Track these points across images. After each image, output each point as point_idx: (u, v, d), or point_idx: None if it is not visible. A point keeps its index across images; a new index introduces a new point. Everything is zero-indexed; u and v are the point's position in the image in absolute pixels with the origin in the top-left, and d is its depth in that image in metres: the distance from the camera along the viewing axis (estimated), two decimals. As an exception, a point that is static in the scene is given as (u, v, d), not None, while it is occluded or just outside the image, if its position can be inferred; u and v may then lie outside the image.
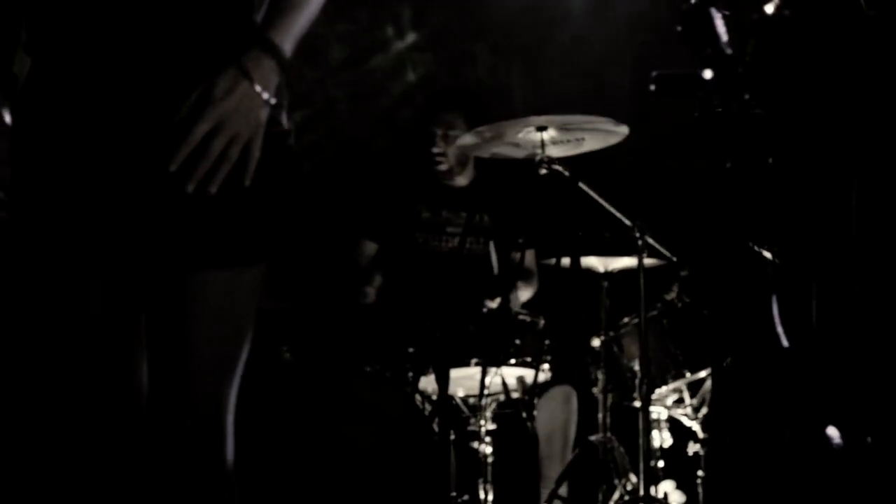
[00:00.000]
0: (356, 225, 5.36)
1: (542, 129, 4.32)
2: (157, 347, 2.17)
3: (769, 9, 2.62)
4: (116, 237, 2.12)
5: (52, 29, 2.14)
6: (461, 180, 5.34)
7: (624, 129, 4.36)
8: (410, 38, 6.13)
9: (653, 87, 2.59)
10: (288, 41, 2.11)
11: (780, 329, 2.61)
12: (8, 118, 2.39)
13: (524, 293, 5.23)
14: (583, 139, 4.43)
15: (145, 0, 2.11)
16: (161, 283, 2.14)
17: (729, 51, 2.58)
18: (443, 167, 5.23)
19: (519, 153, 4.49)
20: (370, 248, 5.30)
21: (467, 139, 4.51)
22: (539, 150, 4.34)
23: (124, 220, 2.11)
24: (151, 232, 2.11)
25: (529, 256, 5.24)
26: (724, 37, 2.60)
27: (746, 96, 2.56)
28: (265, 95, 2.06)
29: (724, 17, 2.70)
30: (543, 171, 4.34)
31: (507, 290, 4.64)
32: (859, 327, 2.54)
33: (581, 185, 4.49)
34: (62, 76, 2.13)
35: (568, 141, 4.42)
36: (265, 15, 2.13)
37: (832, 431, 2.54)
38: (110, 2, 2.10)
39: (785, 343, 2.60)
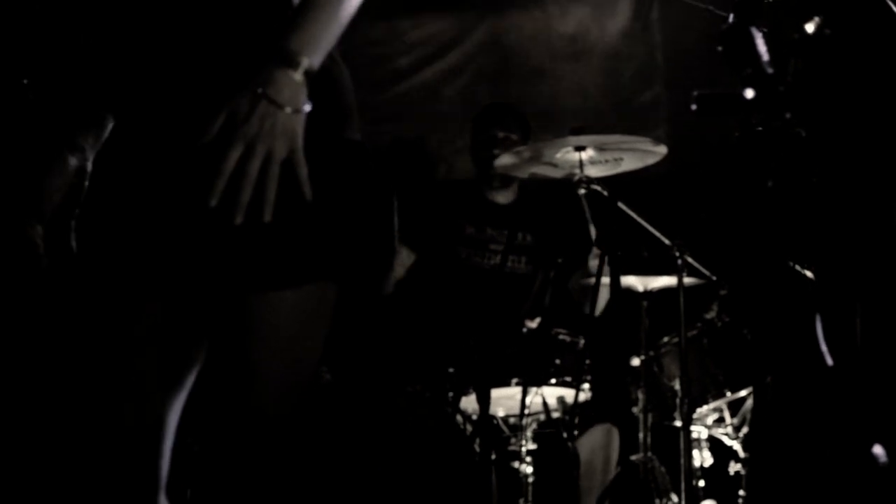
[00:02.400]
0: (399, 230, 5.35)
1: (580, 148, 4.32)
2: (222, 376, 2.14)
3: (810, 28, 2.62)
4: (174, 259, 2.10)
5: (114, 79, 2.18)
6: (506, 198, 5.36)
7: (662, 149, 4.36)
8: (450, 57, 6.17)
9: (694, 107, 2.59)
10: (309, 48, 2.06)
11: (824, 347, 2.61)
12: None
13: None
14: (621, 159, 4.43)
15: (190, 46, 2.11)
16: (222, 308, 2.11)
17: (770, 70, 2.58)
18: (500, 181, 5.25)
19: (557, 173, 4.50)
20: (407, 255, 5.28)
21: (506, 159, 4.53)
22: (577, 170, 4.34)
23: (182, 243, 2.09)
24: (209, 254, 2.08)
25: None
26: (765, 56, 2.59)
27: (788, 115, 2.55)
28: (288, 109, 2.02)
29: (764, 36, 2.70)
30: (582, 191, 4.35)
31: (547, 312, 4.64)
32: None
33: (620, 204, 4.50)
34: (122, 114, 2.17)
35: (606, 161, 4.42)
36: (286, 25, 2.09)
37: (878, 450, 2.53)
38: (156, 49, 2.12)
39: (829, 361, 2.59)
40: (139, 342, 2.13)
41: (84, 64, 2.28)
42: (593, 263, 4.88)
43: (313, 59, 2.06)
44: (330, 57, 2.12)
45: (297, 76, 2.04)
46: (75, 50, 2.34)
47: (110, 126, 2.28)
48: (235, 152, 1.99)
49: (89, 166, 2.32)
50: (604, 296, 5.09)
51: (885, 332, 2.54)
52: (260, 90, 2.01)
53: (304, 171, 2.05)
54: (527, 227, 5.25)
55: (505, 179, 5.26)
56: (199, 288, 2.11)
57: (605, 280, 4.73)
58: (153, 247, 2.10)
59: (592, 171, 4.39)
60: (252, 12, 2.14)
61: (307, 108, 2.05)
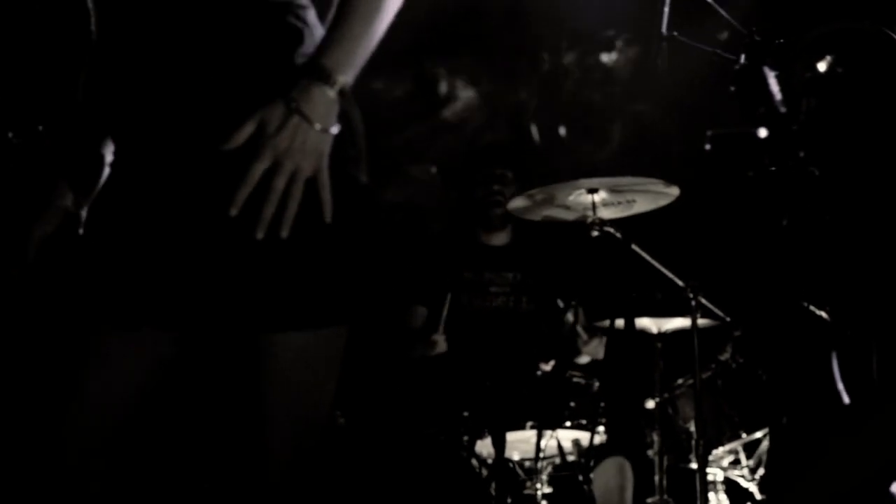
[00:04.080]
0: (406, 290, 5.38)
1: (593, 191, 4.33)
2: (229, 420, 2.10)
3: (822, 67, 2.64)
4: (191, 297, 2.03)
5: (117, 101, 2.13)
6: (500, 240, 5.39)
7: (675, 190, 4.36)
8: (464, 96, 6.21)
9: (708, 147, 2.61)
10: (345, 66, 2.02)
11: (840, 386, 2.60)
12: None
13: (602, 349, 5.18)
14: (634, 200, 4.43)
15: (198, 73, 2.06)
16: (231, 346, 2.07)
17: (783, 109, 2.59)
18: (499, 210, 5.26)
19: (570, 215, 4.50)
20: (422, 312, 5.31)
21: (518, 202, 4.53)
22: (590, 213, 4.35)
23: (198, 281, 2.02)
24: (225, 293, 2.02)
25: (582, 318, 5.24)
26: (778, 95, 2.61)
27: (801, 154, 2.56)
28: (318, 126, 1.98)
29: (777, 77, 2.72)
30: (595, 234, 4.36)
31: (561, 354, 4.64)
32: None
33: (633, 246, 4.50)
34: (131, 144, 2.12)
35: (619, 203, 4.43)
36: (321, 42, 2.06)
37: (897, 489, 2.52)
38: (166, 73, 2.07)
39: (846, 400, 2.59)
40: (106, 369, 2.06)
41: (84, 91, 2.23)
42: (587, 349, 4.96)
43: (348, 76, 2.03)
44: (346, 97, 2.08)
45: (332, 93, 2.00)
46: (73, 77, 2.31)
47: (106, 170, 2.24)
48: (263, 164, 1.95)
49: (83, 214, 2.27)
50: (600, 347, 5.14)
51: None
52: (294, 104, 1.97)
53: (327, 193, 2.01)
54: (524, 266, 5.29)
55: (504, 219, 5.29)
56: (215, 327, 2.06)
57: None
58: (170, 284, 2.04)
59: (605, 214, 4.40)
60: (252, 25, 2.10)
61: (335, 129, 2.02)
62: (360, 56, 2.06)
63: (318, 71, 2.01)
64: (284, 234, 1.96)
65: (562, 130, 6.26)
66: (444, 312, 4.92)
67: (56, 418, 2.03)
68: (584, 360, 4.99)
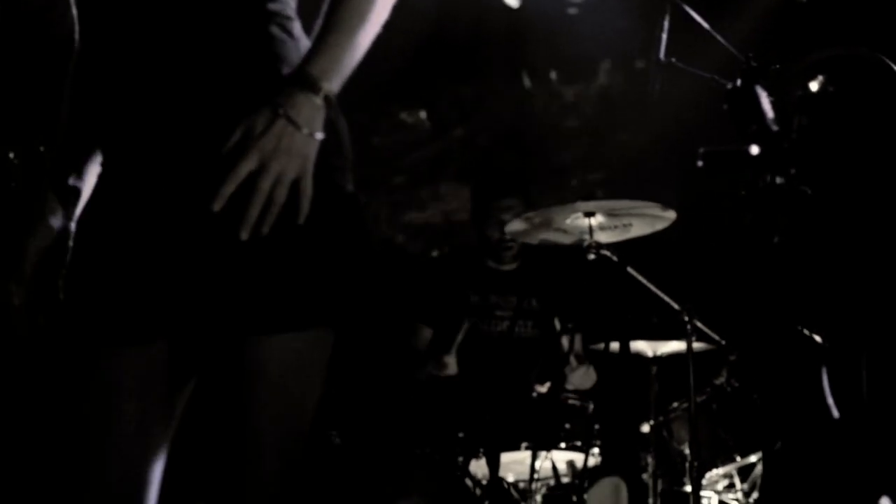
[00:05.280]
0: (411, 310, 5.39)
1: (589, 214, 4.36)
2: (217, 425, 2.09)
3: (814, 86, 2.67)
4: (176, 301, 2.05)
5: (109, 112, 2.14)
6: (508, 265, 5.41)
7: (671, 214, 4.39)
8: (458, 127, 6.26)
9: (700, 164, 2.63)
10: (330, 74, 2.04)
11: (830, 401, 2.63)
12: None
13: (588, 379, 5.20)
14: (630, 224, 4.46)
15: (182, 75, 2.08)
16: (219, 350, 2.07)
17: (775, 127, 2.63)
18: (511, 253, 5.30)
19: (567, 239, 4.53)
20: (426, 332, 5.32)
21: (516, 225, 4.56)
22: (587, 236, 4.37)
23: (184, 284, 2.04)
24: (211, 295, 2.03)
25: (577, 341, 5.27)
26: (770, 113, 2.64)
27: (793, 171, 2.59)
28: (304, 130, 1.99)
29: (769, 96, 2.75)
30: (592, 257, 4.38)
31: (556, 375, 4.66)
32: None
33: (629, 269, 4.53)
34: (117, 154, 2.14)
35: (615, 226, 4.46)
36: (308, 51, 2.08)
37: (886, 503, 2.54)
38: (152, 80, 2.08)
39: (836, 414, 2.61)
40: (128, 392, 2.08)
41: (70, 101, 2.26)
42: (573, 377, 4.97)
43: (333, 84, 2.05)
44: (332, 106, 2.10)
45: (318, 101, 2.02)
46: (60, 87, 2.33)
47: (93, 182, 2.25)
48: (249, 164, 1.96)
49: (72, 226, 2.29)
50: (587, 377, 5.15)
51: (891, 383, 2.56)
52: (280, 109, 1.99)
53: (307, 200, 2.02)
54: (531, 291, 5.30)
55: (515, 256, 5.32)
56: (201, 329, 2.07)
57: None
58: (153, 289, 2.06)
59: (602, 237, 4.42)
60: (238, 36, 2.12)
61: (320, 136, 2.03)
62: (346, 65, 2.08)
63: (304, 78, 2.02)
64: (265, 231, 1.97)
65: (564, 155, 6.30)
66: (460, 337, 4.92)
67: (94, 449, 2.07)
68: (569, 386, 5.00)
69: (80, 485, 2.06)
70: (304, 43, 2.19)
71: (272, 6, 2.15)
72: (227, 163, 1.97)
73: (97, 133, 2.20)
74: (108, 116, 2.13)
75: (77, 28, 2.21)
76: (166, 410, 2.14)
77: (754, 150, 2.58)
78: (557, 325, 5.08)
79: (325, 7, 2.12)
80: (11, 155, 3.95)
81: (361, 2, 2.10)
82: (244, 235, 1.96)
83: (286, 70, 2.11)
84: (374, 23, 2.12)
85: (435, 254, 6.61)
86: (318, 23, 2.11)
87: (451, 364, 4.95)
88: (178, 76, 2.08)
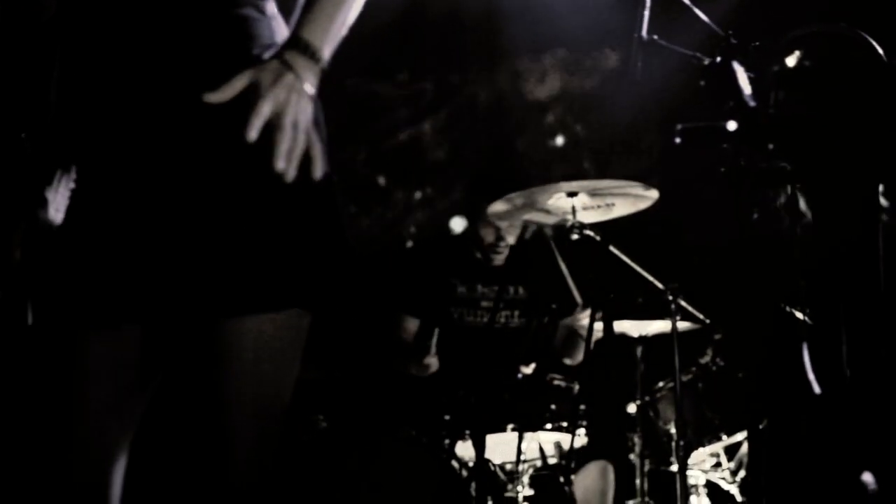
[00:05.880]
0: (397, 300, 5.36)
1: (572, 194, 4.34)
2: (190, 410, 2.06)
3: (791, 61, 2.66)
4: (147, 283, 2.03)
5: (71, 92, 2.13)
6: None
7: (654, 194, 4.38)
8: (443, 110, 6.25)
9: (678, 140, 2.62)
10: (324, 44, 2.03)
11: (811, 376, 2.62)
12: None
13: (578, 354, 5.19)
14: (613, 204, 4.45)
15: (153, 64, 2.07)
16: (190, 335, 2.05)
17: (752, 103, 2.61)
18: (503, 255, 5.28)
19: (550, 219, 4.51)
20: (412, 323, 5.29)
21: (498, 206, 4.54)
22: (570, 216, 4.36)
23: (155, 267, 2.02)
24: (183, 278, 2.01)
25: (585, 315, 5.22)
26: (747, 89, 2.63)
27: (770, 147, 2.59)
28: (308, 87, 1.99)
29: (747, 72, 2.74)
30: (575, 237, 4.37)
31: (542, 358, 4.66)
32: (892, 372, 2.55)
33: (612, 249, 4.52)
34: (89, 140, 2.11)
35: (598, 206, 4.44)
36: (297, 19, 2.06)
37: (868, 477, 2.54)
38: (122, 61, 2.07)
39: (817, 390, 2.61)
40: (96, 375, 2.06)
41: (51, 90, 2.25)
42: (581, 318, 4.95)
43: (326, 54, 2.04)
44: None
45: (316, 67, 2.01)
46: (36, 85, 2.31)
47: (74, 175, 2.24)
48: (268, 106, 1.93)
49: (58, 218, 2.28)
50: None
51: (871, 358, 2.56)
52: (289, 65, 1.97)
53: (321, 149, 2.00)
54: (518, 281, 5.27)
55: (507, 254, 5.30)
56: (172, 312, 2.05)
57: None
58: (125, 271, 2.04)
59: (585, 217, 4.41)
60: (209, 15, 2.11)
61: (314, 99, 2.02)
62: (336, 38, 2.07)
63: (303, 44, 2.01)
64: (292, 175, 1.94)
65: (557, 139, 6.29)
66: (433, 341, 4.89)
67: (60, 435, 2.05)
68: (567, 360, 5.00)
69: (46, 468, 2.04)
70: (278, 22, 2.19)
71: None
72: (234, 108, 1.93)
73: (71, 118, 2.16)
74: (80, 99, 2.12)
75: (57, 13, 2.20)
76: (135, 396, 2.12)
77: (731, 125, 2.57)
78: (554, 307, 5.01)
79: None
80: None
81: None
82: (280, 164, 1.93)
83: (257, 50, 2.10)
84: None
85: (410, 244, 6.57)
86: None
87: (433, 364, 4.92)
88: (151, 57, 2.07)
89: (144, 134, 2.05)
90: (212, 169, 2.03)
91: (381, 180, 6.37)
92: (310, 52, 2.01)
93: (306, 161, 2.06)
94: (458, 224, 5.08)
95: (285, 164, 1.93)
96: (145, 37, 2.08)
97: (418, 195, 6.43)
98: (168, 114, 2.05)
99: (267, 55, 2.06)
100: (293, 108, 1.95)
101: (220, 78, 2.01)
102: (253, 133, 1.90)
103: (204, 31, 2.10)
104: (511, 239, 5.19)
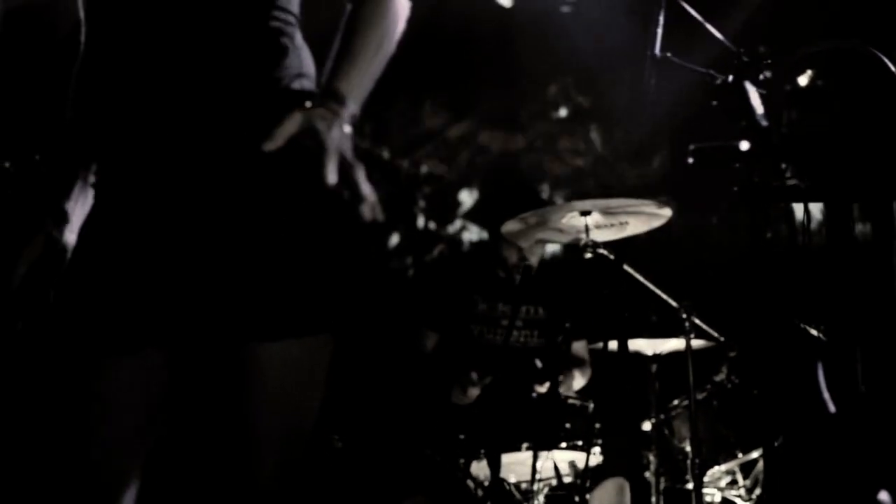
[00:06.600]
0: (419, 314, 5.35)
1: (585, 213, 4.34)
2: (215, 433, 2.08)
3: (803, 80, 2.67)
4: (176, 308, 2.04)
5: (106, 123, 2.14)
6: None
7: (667, 212, 4.37)
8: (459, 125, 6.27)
9: (691, 160, 2.63)
10: (355, 97, 2.06)
11: (826, 395, 2.62)
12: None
13: (578, 381, 5.21)
14: (626, 223, 4.44)
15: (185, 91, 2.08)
16: (216, 358, 2.06)
17: (765, 122, 2.62)
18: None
19: (563, 238, 4.51)
20: (431, 338, 5.29)
21: (511, 226, 4.54)
22: (583, 235, 4.36)
23: (184, 292, 2.04)
24: (211, 303, 2.03)
25: (581, 345, 5.26)
26: (760, 109, 2.64)
27: (783, 166, 2.59)
28: (348, 130, 1.99)
29: (761, 94, 2.74)
30: (588, 256, 4.36)
31: (555, 377, 4.65)
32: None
33: (626, 267, 4.51)
34: (115, 163, 2.14)
35: (612, 225, 4.44)
36: (333, 69, 2.09)
37: (884, 497, 2.53)
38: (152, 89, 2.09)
39: (832, 409, 2.60)
40: (115, 400, 2.07)
41: (71, 110, 2.26)
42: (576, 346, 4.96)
43: (357, 105, 2.06)
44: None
45: (347, 115, 2.02)
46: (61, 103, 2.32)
47: (91, 195, 2.25)
48: (334, 151, 1.92)
49: (71, 238, 2.28)
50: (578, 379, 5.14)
51: (886, 375, 2.56)
52: (335, 111, 1.99)
53: (358, 170, 1.98)
54: (538, 300, 5.26)
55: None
56: (198, 338, 2.06)
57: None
58: (152, 295, 2.06)
59: (598, 236, 4.41)
60: (240, 43, 2.13)
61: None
62: (366, 91, 2.11)
63: (338, 95, 2.03)
64: (333, 180, 1.93)
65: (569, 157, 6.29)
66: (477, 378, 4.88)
67: (74, 461, 2.06)
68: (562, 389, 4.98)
69: (60, 492, 2.04)
70: (306, 52, 2.23)
71: (275, 22, 2.17)
72: (292, 154, 1.94)
73: (96, 139, 2.19)
74: (108, 122, 2.14)
75: (84, 31, 2.21)
76: (156, 421, 2.13)
77: (744, 145, 2.57)
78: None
79: (344, 28, 2.16)
80: (7, 164, 3.95)
81: (381, 35, 2.16)
82: (332, 178, 1.91)
83: (287, 80, 2.14)
84: (389, 49, 2.19)
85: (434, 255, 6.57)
86: (338, 45, 2.14)
87: (474, 395, 4.90)
88: (181, 86, 2.09)
89: (172, 154, 2.07)
90: (241, 192, 2.06)
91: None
92: (346, 103, 2.02)
93: (332, 196, 2.07)
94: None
95: (336, 177, 1.92)
96: (179, 57, 2.10)
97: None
98: (196, 136, 2.07)
99: (295, 85, 2.12)
100: (345, 147, 1.94)
101: (248, 104, 2.06)
102: (332, 176, 1.90)
103: (239, 57, 2.13)
104: (534, 260, 5.18)
